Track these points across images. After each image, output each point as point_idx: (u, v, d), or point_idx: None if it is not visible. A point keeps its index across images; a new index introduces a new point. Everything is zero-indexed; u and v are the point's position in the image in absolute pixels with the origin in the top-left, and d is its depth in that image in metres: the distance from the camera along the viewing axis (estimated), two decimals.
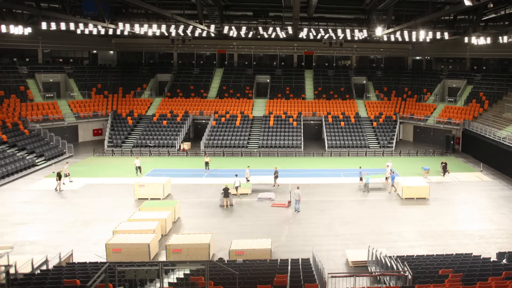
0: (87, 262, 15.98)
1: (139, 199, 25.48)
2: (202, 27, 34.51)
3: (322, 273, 14.26)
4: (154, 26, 35.55)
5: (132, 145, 39.64)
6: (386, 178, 29.20)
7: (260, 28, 38.07)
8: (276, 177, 28.88)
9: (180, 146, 39.60)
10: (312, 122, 45.04)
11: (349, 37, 40.10)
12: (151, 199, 25.12)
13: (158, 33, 38.26)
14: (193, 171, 32.76)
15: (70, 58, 49.49)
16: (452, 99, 45.60)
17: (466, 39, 38.81)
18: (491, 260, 16.08)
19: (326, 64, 54.56)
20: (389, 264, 14.65)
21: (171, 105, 45.74)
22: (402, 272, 13.63)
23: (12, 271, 13.64)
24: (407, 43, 50.15)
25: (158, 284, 13.16)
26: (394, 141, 41.50)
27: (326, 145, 40.31)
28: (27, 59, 45.27)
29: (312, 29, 38.56)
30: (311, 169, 33.98)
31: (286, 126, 42.74)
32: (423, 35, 33.43)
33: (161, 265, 11.73)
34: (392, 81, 51.00)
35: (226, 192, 24.58)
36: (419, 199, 26.15)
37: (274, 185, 28.72)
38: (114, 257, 17.30)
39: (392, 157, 37.90)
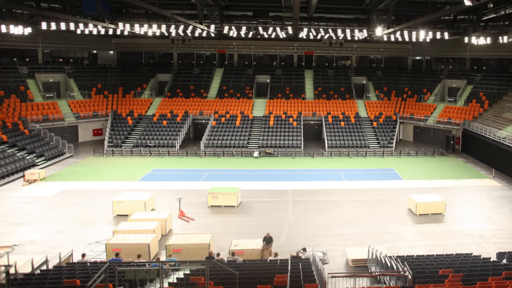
0: (87, 262, 15.98)
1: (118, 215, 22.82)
2: (202, 27, 34.50)
3: (322, 273, 14.26)
4: (154, 26, 35.53)
5: (132, 145, 39.63)
6: None
7: (260, 28, 38.04)
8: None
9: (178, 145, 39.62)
10: (312, 122, 45.03)
11: (349, 37, 40.05)
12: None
13: (158, 33, 38.22)
14: (193, 171, 32.76)
15: (70, 58, 49.47)
16: (452, 99, 45.59)
17: (466, 39, 38.78)
18: (491, 260, 16.09)
19: (326, 64, 54.53)
20: (389, 264, 14.65)
21: (171, 105, 45.73)
22: (402, 272, 13.63)
23: (12, 271, 13.64)
24: (407, 43, 50.12)
25: (158, 284, 13.16)
26: (394, 141, 41.49)
27: (326, 145, 40.30)
28: (27, 59, 45.22)
29: (312, 29, 38.53)
30: (311, 169, 33.97)
31: (286, 126, 42.73)
32: (423, 35, 33.41)
33: (161, 265, 11.76)
34: (392, 81, 50.98)
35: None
36: (434, 215, 23.41)
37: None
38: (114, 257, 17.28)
39: (392, 157, 37.92)
